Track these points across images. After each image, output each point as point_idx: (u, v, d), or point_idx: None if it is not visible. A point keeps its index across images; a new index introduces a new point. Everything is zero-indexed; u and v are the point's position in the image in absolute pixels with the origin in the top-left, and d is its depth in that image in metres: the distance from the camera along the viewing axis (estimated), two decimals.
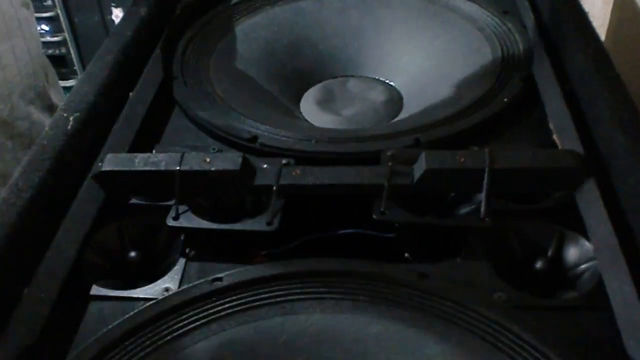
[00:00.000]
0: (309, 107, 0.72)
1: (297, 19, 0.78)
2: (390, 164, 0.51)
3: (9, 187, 0.46)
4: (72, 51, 2.09)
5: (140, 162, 0.50)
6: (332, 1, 0.80)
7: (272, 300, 0.45)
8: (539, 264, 0.48)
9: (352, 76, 0.77)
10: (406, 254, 0.52)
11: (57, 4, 1.98)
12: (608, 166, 0.49)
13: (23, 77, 0.82)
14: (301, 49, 0.77)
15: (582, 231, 0.48)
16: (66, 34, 2.06)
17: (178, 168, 0.49)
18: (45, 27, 2.01)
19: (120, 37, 0.64)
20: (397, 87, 0.75)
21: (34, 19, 0.88)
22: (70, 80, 1.97)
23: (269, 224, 0.49)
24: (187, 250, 0.49)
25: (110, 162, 0.51)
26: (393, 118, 0.70)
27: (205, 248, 0.50)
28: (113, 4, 1.98)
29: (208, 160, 0.50)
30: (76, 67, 2.12)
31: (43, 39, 2.01)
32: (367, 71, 0.77)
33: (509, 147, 0.54)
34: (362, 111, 0.73)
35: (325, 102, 0.74)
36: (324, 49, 0.78)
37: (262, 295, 0.45)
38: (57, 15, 2.00)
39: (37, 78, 0.86)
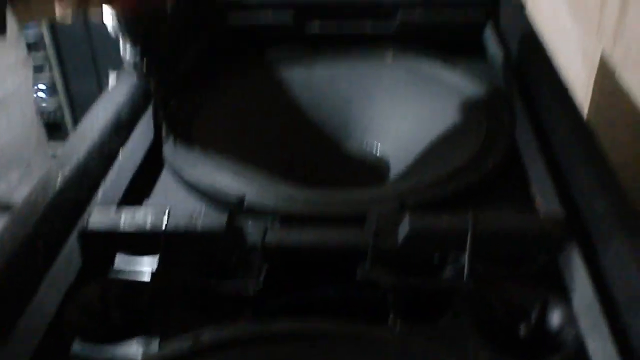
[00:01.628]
0: (297, 170, 0.73)
1: (288, 85, 0.80)
2: (374, 225, 0.51)
3: None
4: (67, 117, 2.12)
5: (126, 219, 0.51)
6: (323, 70, 0.82)
7: None
8: (522, 328, 0.48)
9: (341, 141, 0.78)
10: (390, 315, 0.52)
11: (54, 69, 2.02)
12: (590, 231, 0.50)
13: (13, 143, 0.83)
14: (291, 114, 0.79)
15: (565, 295, 0.48)
16: (62, 100, 2.09)
17: (163, 228, 0.50)
18: (41, 94, 2.04)
19: (113, 96, 0.66)
20: (384, 152, 0.76)
21: (31, 83, 0.90)
22: None
23: (252, 283, 0.49)
24: (169, 307, 0.49)
25: (95, 218, 0.51)
26: (380, 183, 0.71)
27: (188, 307, 0.49)
28: (111, 71, 2.01)
29: (194, 218, 0.51)
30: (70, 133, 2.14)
31: (39, 105, 2.05)
32: (355, 138, 0.79)
33: (492, 210, 0.54)
34: (350, 177, 0.74)
35: (313, 166, 0.75)
36: (313, 115, 0.79)
37: (243, 356, 0.44)
38: (54, 81, 2.04)
39: (26, 144, 0.87)
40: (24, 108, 0.86)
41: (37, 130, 0.91)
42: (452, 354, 0.43)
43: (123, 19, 0.59)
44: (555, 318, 0.48)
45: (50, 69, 2.01)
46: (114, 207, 0.56)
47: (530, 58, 0.75)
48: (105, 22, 0.60)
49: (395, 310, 0.51)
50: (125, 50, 0.62)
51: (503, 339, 0.48)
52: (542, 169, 0.57)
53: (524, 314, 0.48)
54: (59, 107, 2.09)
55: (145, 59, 0.62)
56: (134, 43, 0.61)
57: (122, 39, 0.61)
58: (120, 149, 0.63)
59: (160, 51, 0.63)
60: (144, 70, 0.63)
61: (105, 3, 0.57)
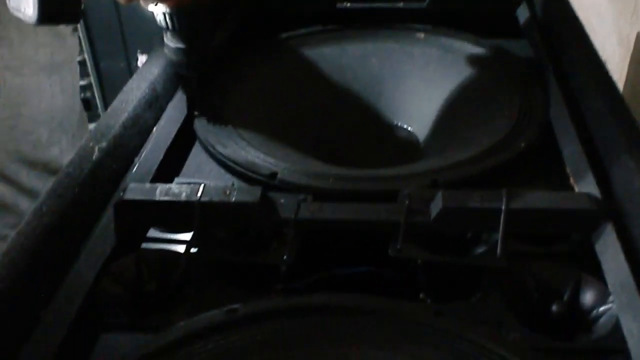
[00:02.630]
0: (327, 149, 0.73)
1: (319, 64, 0.80)
2: (407, 202, 0.51)
3: (33, 211, 0.47)
4: (96, 95, 2.14)
5: (161, 192, 0.51)
6: (354, 48, 0.82)
7: (285, 334, 0.44)
8: (555, 307, 0.48)
9: (372, 120, 0.78)
10: (421, 294, 0.52)
11: (84, 49, 2.04)
12: (625, 209, 0.49)
13: (64, 108, 0.85)
14: (322, 92, 0.78)
15: (600, 274, 0.47)
16: (92, 79, 2.11)
17: (198, 199, 0.50)
18: None
19: (147, 73, 0.66)
20: (414, 132, 0.76)
21: (77, 59, 0.92)
22: (93, 124, 2.01)
23: (284, 257, 0.50)
24: (203, 280, 0.50)
25: (132, 191, 0.52)
26: (411, 161, 0.70)
27: (222, 280, 0.50)
28: (139, 51, 2.03)
29: (228, 192, 0.51)
30: (100, 111, 2.17)
31: None
32: (386, 116, 0.78)
33: (526, 189, 0.54)
34: (379, 155, 0.74)
35: (343, 145, 0.75)
36: (344, 93, 0.79)
37: (275, 328, 0.45)
38: (84, 60, 2.06)
39: (73, 111, 0.89)
40: (73, 76, 0.88)
41: (79, 103, 0.93)
42: (484, 332, 0.43)
43: (175, 13, 0.59)
44: (589, 297, 0.48)
45: (81, 48, 2.03)
46: (148, 182, 0.57)
47: (565, 36, 0.74)
48: (154, 11, 0.60)
49: (426, 288, 0.52)
50: (171, 44, 0.62)
51: (536, 317, 0.47)
52: (577, 147, 0.57)
53: (557, 293, 0.48)
54: (89, 86, 2.11)
55: (193, 56, 0.62)
56: (182, 38, 0.61)
57: (170, 33, 0.61)
58: (155, 124, 0.63)
59: (204, 45, 0.64)
60: (191, 66, 0.63)
61: None
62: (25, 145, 0.80)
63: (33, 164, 0.82)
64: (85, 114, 1.00)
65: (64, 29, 0.83)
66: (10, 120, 0.76)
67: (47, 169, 0.84)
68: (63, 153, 0.87)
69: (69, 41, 0.85)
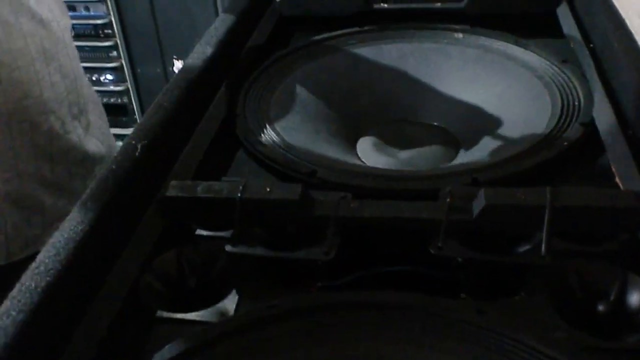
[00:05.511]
0: (365, 149, 0.73)
1: (357, 64, 0.80)
2: (448, 199, 0.51)
3: (77, 206, 0.47)
4: (133, 100, 2.18)
5: (203, 189, 0.52)
6: (391, 49, 0.81)
7: (325, 329, 0.44)
8: (600, 306, 0.47)
9: (409, 121, 0.78)
10: (462, 294, 0.51)
11: (122, 55, 2.07)
12: None
13: (69, 94, 0.84)
14: (359, 93, 0.78)
15: None
16: (129, 84, 2.14)
17: (239, 196, 0.51)
18: (109, 77, 2.10)
19: (188, 73, 0.67)
20: (453, 132, 0.75)
21: (73, 43, 0.91)
22: (130, 129, 2.04)
23: (324, 255, 0.50)
24: (244, 276, 0.50)
25: (174, 188, 0.52)
26: (450, 162, 0.70)
27: (262, 277, 0.50)
28: (175, 57, 2.06)
29: (268, 189, 0.51)
30: (136, 117, 2.20)
31: (106, 88, 2.11)
32: (423, 116, 0.78)
33: (570, 187, 0.53)
34: (418, 155, 0.73)
35: (381, 146, 0.74)
36: (381, 94, 0.79)
37: (315, 324, 0.45)
38: (122, 65, 2.09)
39: (79, 95, 0.88)
40: (71, 60, 0.86)
41: (87, 86, 0.91)
42: (528, 331, 0.42)
43: None
44: (635, 297, 0.47)
45: (118, 54, 2.07)
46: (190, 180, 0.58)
47: (608, 35, 0.73)
48: None
49: (467, 287, 0.51)
50: None
51: (581, 317, 0.47)
52: (622, 145, 0.56)
53: (603, 293, 0.47)
54: (127, 91, 2.14)
55: None
56: None
57: None
58: (195, 123, 0.64)
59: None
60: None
61: None
62: (41, 137, 0.79)
63: (54, 157, 0.81)
64: (99, 99, 0.97)
65: (48, 15, 0.82)
66: (17, 115, 0.76)
67: (69, 158, 0.84)
68: (82, 140, 0.86)
69: (54, 26, 0.84)
